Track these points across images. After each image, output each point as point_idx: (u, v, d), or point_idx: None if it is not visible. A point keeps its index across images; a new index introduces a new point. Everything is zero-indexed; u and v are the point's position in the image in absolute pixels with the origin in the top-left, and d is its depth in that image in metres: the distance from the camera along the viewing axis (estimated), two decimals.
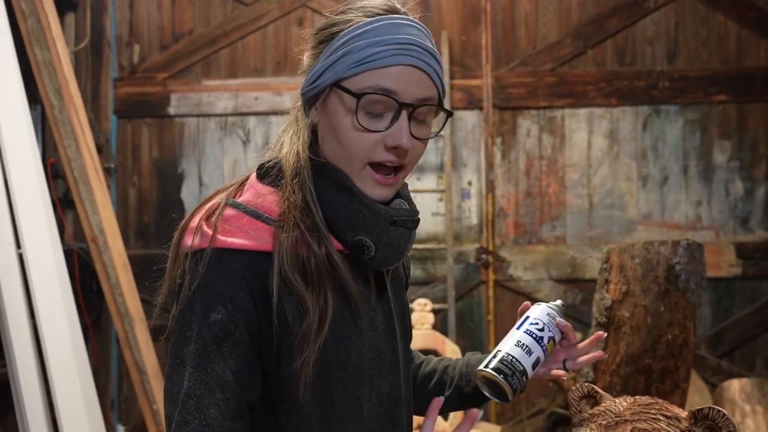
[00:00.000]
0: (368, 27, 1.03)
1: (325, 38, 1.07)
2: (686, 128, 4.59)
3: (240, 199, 1.05)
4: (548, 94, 4.59)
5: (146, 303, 3.63)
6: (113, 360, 4.29)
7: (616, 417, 1.10)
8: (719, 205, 4.57)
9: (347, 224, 1.03)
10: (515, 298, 4.58)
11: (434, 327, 4.16)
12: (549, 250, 4.55)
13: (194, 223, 1.03)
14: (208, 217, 1.03)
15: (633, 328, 1.99)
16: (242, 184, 1.10)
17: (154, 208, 4.56)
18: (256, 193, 1.05)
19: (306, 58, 1.11)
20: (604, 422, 1.10)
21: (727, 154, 4.58)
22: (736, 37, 4.58)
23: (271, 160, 1.09)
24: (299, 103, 1.12)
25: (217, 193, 1.10)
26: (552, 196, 4.61)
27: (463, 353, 4.24)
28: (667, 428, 1.07)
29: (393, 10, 1.07)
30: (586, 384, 1.24)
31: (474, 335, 4.58)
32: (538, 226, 4.59)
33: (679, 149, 4.59)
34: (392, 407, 1.12)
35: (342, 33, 1.04)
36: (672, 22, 4.61)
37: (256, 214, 1.01)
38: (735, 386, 4.00)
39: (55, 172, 3.92)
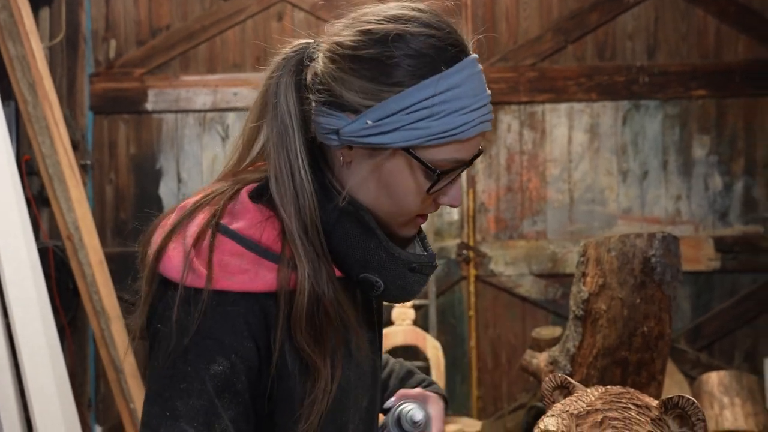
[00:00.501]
0: (453, 83, 0.92)
1: (386, 76, 0.92)
2: (666, 123, 4.64)
3: (235, 227, 0.94)
4: (529, 90, 4.62)
5: (123, 301, 3.61)
6: (90, 359, 4.27)
7: (587, 406, 1.11)
8: (698, 199, 4.62)
9: (359, 263, 0.98)
10: (496, 294, 4.62)
11: (415, 323, 4.18)
12: (530, 245, 4.58)
13: (176, 248, 0.92)
14: (196, 243, 0.91)
15: (609, 320, 2.01)
16: (230, 198, 0.97)
17: (131, 205, 4.53)
18: (253, 221, 0.94)
19: (343, 86, 0.94)
20: (575, 411, 1.11)
21: (706, 149, 4.63)
22: (716, 32, 4.64)
23: (263, 184, 0.98)
24: (287, 102, 0.97)
25: (197, 206, 0.97)
26: (533, 191, 4.64)
27: (444, 349, 4.27)
28: (638, 417, 1.09)
29: (460, 44, 0.96)
30: (560, 375, 1.25)
31: (455, 331, 4.61)
32: (519, 222, 4.62)
33: (659, 144, 4.63)
34: (370, 422, 1.12)
35: (419, 86, 0.91)
36: (652, 17, 4.66)
37: (258, 249, 0.92)
38: (713, 379, 4.06)
39: (29, 169, 3.88)
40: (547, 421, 1.15)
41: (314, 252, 0.94)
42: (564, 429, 1.11)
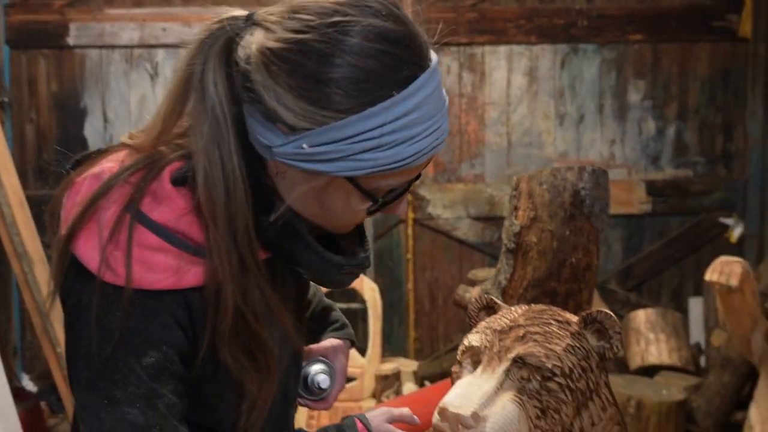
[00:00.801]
0: (406, 109, 0.82)
1: (326, 100, 0.82)
2: (603, 67, 4.72)
3: (157, 217, 0.87)
4: (468, 31, 4.61)
5: (47, 246, 3.49)
6: (15, 305, 4.15)
7: (510, 322, 1.15)
8: (632, 143, 4.75)
9: (288, 258, 0.95)
10: (434, 237, 4.68)
11: None
12: (468, 189, 4.64)
13: (90, 236, 0.86)
14: (112, 236, 0.85)
15: (540, 252, 2.07)
16: (152, 178, 0.89)
17: (54, 146, 4.36)
18: (178, 211, 0.87)
19: (276, 100, 0.83)
20: (498, 327, 1.15)
21: (641, 94, 4.74)
22: None
23: (187, 168, 0.89)
24: (218, 94, 0.86)
25: (114, 180, 0.88)
26: (471, 134, 4.68)
27: (382, 292, 4.32)
28: (558, 331, 1.13)
29: (419, 57, 0.84)
30: (486, 296, 1.29)
31: (393, 274, 4.66)
32: (457, 165, 4.67)
33: (596, 88, 4.72)
34: (296, 376, 1.14)
35: (366, 114, 0.81)
36: None
37: (182, 244, 0.87)
38: (640, 316, 4.25)
39: None
40: (471, 338, 1.18)
41: (240, 262, 0.87)
42: (487, 344, 1.15)
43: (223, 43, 0.88)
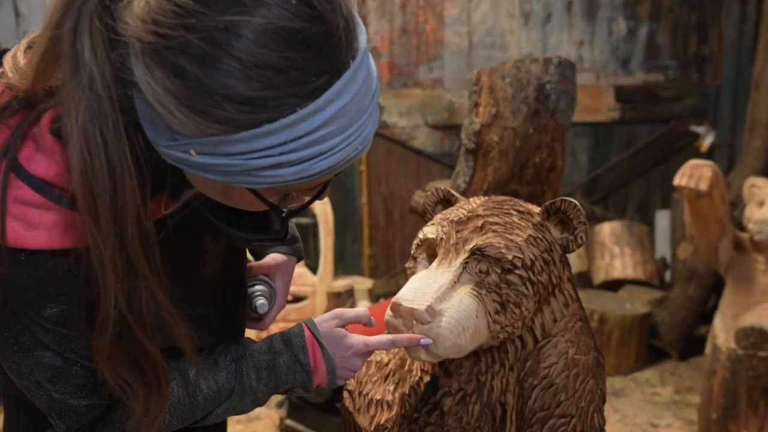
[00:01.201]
0: (316, 125, 0.74)
1: (216, 112, 0.73)
2: None
3: (36, 170, 0.81)
4: None
5: None
6: None
7: (468, 213, 1.14)
8: (601, 45, 4.72)
9: (194, 223, 0.93)
10: (389, 147, 4.64)
11: None
12: (425, 94, 4.58)
13: None
14: None
15: (501, 152, 2.05)
16: (31, 123, 0.82)
17: None
18: (60, 167, 0.81)
19: (156, 99, 0.74)
20: (455, 219, 1.14)
21: None
22: None
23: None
24: (97, 65, 0.75)
25: None
26: (429, 34, 4.58)
27: (334, 206, 4.30)
28: (519, 222, 1.13)
29: (335, 59, 0.75)
30: (443, 188, 1.27)
31: (345, 186, 4.63)
32: (413, 68, 4.59)
33: None
34: (238, 291, 1.14)
35: (263, 131, 0.73)
36: None
37: (65, 201, 0.81)
38: (606, 229, 4.34)
39: None
40: (426, 230, 1.17)
41: (128, 266, 0.81)
42: (443, 236, 1.14)
43: (95, 2, 0.76)
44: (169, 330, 0.87)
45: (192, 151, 0.76)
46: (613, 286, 4.21)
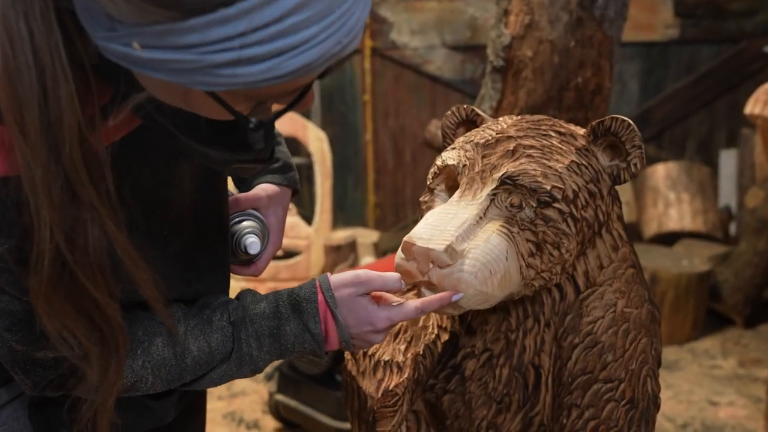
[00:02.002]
0: (284, 9, 0.72)
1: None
2: None
3: None
4: None
5: None
6: None
7: (497, 135, 1.12)
8: None
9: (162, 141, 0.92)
10: (399, 72, 4.60)
11: None
12: (442, 8, 4.52)
13: None
14: None
15: (536, 71, 2.02)
16: None
17: None
18: None
19: None
20: (481, 141, 1.12)
21: None
22: None
23: None
24: None
25: None
26: None
27: (333, 144, 4.28)
28: (560, 145, 1.10)
29: None
30: (465, 106, 1.24)
31: (346, 120, 4.61)
32: None
33: None
34: (220, 237, 1.13)
35: (217, 18, 0.71)
36: None
37: None
38: (660, 172, 4.32)
39: None
40: (446, 155, 1.15)
41: (68, 191, 0.79)
42: (467, 162, 1.11)
43: None
44: (131, 275, 0.86)
45: (135, 44, 0.73)
46: (668, 239, 4.21)
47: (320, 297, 1.04)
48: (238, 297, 1.07)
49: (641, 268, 1.22)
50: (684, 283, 3.63)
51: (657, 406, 1.19)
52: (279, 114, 0.86)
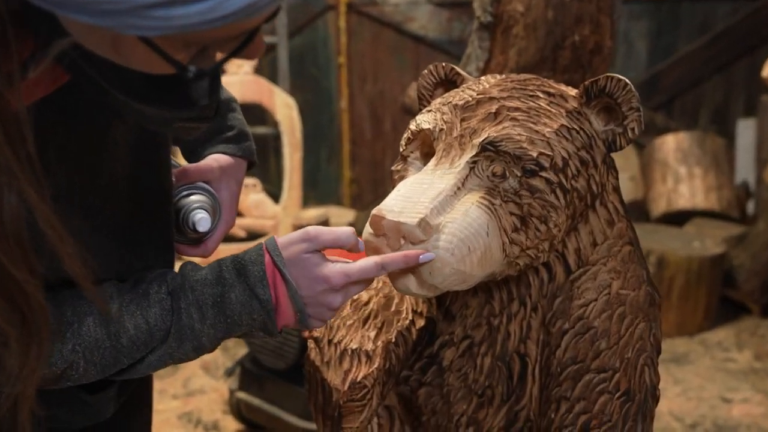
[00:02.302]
0: None
1: None
2: None
3: None
4: None
5: None
6: None
7: (477, 95, 1.12)
8: None
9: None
10: (378, 31, 4.59)
11: (258, 71, 4.11)
12: None
13: None
14: None
15: (528, 27, 2.03)
16: None
17: None
18: None
19: None
20: (460, 102, 1.12)
21: None
22: None
23: None
24: None
25: None
26: None
27: (303, 111, 4.27)
28: (548, 107, 1.10)
29: None
30: (444, 65, 1.24)
31: (319, 85, 4.59)
32: None
33: None
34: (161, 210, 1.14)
35: None
36: None
37: None
38: (669, 144, 4.35)
39: None
40: (421, 118, 1.15)
41: None
42: (443, 125, 1.11)
43: None
44: (54, 249, 0.85)
45: None
46: (678, 219, 4.24)
47: (267, 258, 1.03)
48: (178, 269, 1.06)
49: (639, 246, 1.23)
50: (695, 268, 3.65)
51: (656, 399, 1.20)
52: (222, 62, 0.85)
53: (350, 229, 1.07)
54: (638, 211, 4.31)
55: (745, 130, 4.74)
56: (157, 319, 1.00)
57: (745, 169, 4.69)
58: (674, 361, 3.51)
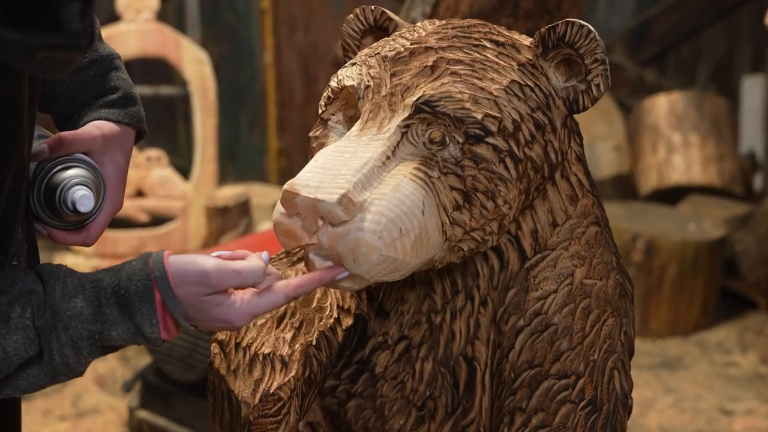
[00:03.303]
0: None
1: None
2: None
3: None
4: None
5: None
6: None
7: (411, 45, 1.12)
8: None
9: None
10: None
11: (161, 18, 4.08)
12: None
13: None
14: None
15: None
16: None
17: None
18: None
19: None
20: (390, 53, 1.11)
21: None
22: None
23: None
24: None
25: None
26: None
27: (218, 67, 4.24)
28: (496, 59, 1.11)
29: None
30: (374, 8, 1.25)
31: (236, 36, 4.58)
32: None
33: None
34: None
35: None
36: None
37: None
38: (661, 106, 4.38)
39: None
40: (343, 73, 1.15)
41: None
42: (370, 81, 1.12)
43: None
44: None
45: None
46: (671, 196, 4.28)
47: (157, 297, 1.05)
48: (41, 279, 1.05)
49: (608, 226, 1.25)
50: (691, 254, 3.69)
51: (628, 409, 1.22)
52: None
53: (260, 266, 1.09)
54: (623, 187, 4.35)
55: (752, 90, 4.79)
56: (18, 348, 1.01)
57: (750, 137, 4.73)
58: (665, 366, 3.55)
